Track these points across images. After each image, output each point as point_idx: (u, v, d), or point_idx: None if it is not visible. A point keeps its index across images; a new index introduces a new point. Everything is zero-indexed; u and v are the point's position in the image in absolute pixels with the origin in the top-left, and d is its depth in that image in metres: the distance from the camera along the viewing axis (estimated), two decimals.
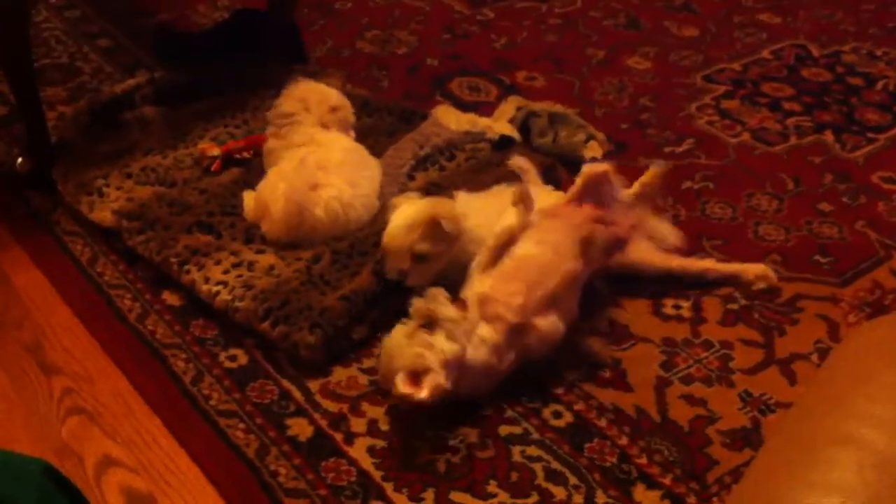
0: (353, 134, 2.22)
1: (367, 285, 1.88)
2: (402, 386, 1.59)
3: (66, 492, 1.03)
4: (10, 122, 2.46)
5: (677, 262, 1.99)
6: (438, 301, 1.66)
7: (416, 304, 1.66)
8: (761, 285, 1.98)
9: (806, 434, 1.00)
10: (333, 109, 2.19)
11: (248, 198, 2.09)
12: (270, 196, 2.02)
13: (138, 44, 2.81)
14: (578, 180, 1.93)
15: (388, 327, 1.83)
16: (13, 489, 0.97)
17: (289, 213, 1.99)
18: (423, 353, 1.61)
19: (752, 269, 2.00)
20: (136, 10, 3.00)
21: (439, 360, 1.61)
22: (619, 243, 1.89)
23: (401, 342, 1.64)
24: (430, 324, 1.64)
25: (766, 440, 1.65)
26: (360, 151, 2.17)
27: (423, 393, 1.58)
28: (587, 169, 1.95)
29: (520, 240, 1.80)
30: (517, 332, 1.72)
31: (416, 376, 1.60)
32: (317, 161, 2.05)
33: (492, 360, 1.70)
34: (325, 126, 2.16)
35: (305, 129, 2.14)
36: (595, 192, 1.92)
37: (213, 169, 2.21)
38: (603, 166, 1.96)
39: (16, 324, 1.92)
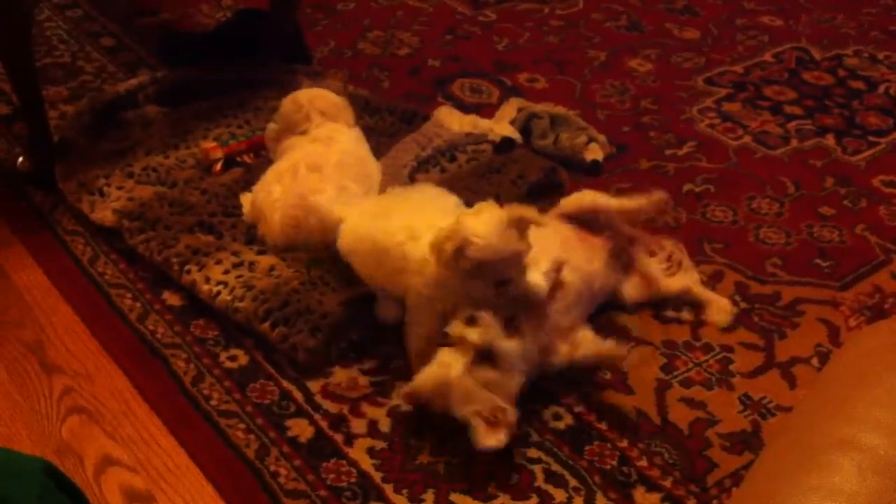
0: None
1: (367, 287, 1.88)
2: (486, 438, 1.58)
3: (66, 491, 1.03)
4: (12, 121, 2.46)
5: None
6: (493, 331, 1.62)
7: (470, 334, 1.61)
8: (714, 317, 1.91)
9: (806, 438, 1.00)
10: (346, 107, 2.20)
11: (246, 200, 2.09)
12: (265, 202, 2.02)
13: (141, 43, 2.81)
14: (561, 207, 1.96)
15: (387, 329, 1.84)
16: (13, 488, 0.97)
17: (285, 230, 1.98)
18: (495, 399, 1.59)
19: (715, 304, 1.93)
20: (138, 10, 3.00)
21: (510, 399, 1.61)
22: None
23: (465, 381, 1.60)
24: (489, 355, 1.62)
25: (766, 444, 1.65)
26: (360, 154, 2.15)
27: (503, 441, 1.59)
28: (567, 201, 1.98)
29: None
30: None
31: (488, 419, 1.59)
32: (310, 164, 2.03)
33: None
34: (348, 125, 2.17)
35: (330, 125, 2.14)
36: (583, 217, 1.94)
37: (214, 171, 2.21)
38: (583, 199, 1.96)
39: (16, 323, 1.92)
